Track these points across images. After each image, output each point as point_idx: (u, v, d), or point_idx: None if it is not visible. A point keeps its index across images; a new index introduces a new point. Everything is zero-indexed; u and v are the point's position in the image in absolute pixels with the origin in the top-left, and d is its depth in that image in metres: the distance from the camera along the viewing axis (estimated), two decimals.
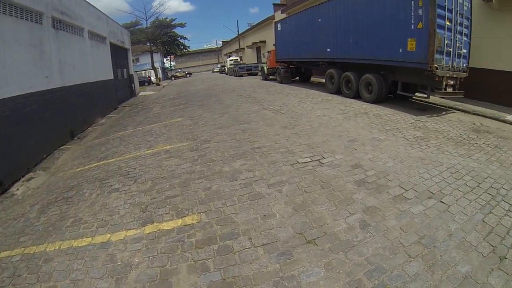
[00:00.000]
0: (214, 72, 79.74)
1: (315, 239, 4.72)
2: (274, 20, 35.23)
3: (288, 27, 25.49)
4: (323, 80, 21.15)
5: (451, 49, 12.22)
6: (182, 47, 76.84)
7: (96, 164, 9.73)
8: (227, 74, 57.49)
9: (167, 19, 70.55)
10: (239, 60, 60.71)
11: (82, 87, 16.28)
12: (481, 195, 5.98)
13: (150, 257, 4.64)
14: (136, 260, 4.62)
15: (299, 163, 7.71)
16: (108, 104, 21.95)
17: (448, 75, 12.11)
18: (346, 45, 17.22)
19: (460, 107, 13.36)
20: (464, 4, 12.64)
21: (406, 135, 9.64)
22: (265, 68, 33.39)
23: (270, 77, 32.23)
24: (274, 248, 4.58)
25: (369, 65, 15.51)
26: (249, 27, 64.34)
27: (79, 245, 5.25)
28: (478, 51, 13.82)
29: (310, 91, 20.91)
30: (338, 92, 18.23)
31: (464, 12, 12.64)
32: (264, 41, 48.89)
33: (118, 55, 26.88)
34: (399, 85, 14.22)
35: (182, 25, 74.24)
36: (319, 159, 7.87)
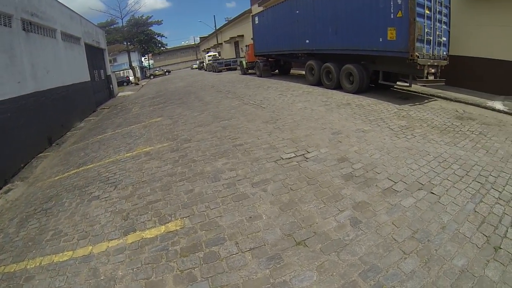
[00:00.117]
0: (193, 68, 78.74)
1: (305, 240, 4.51)
2: (251, 14, 34.85)
3: (266, 20, 25.20)
4: (303, 72, 20.93)
5: (431, 38, 12.16)
6: (159, 45, 76.16)
7: (75, 170, 9.38)
8: (206, 70, 56.84)
9: (143, 17, 69.66)
10: (217, 55, 60.13)
11: (58, 91, 15.69)
12: (470, 183, 5.89)
13: (134, 269, 4.39)
14: (120, 273, 4.36)
15: (283, 159, 7.49)
16: (86, 107, 21.40)
17: (429, 63, 12.05)
18: (325, 36, 17.01)
19: (441, 95, 13.34)
20: None
21: (391, 125, 9.51)
22: (244, 62, 33.08)
23: (249, 71, 31.98)
24: (262, 252, 4.36)
25: (349, 55, 15.32)
26: (226, 22, 63.89)
27: (60, 260, 4.97)
28: (459, 39, 13.85)
29: (291, 83, 20.70)
30: (319, 83, 18.07)
31: (442, 0, 12.56)
32: (242, 35, 48.69)
33: (94, 56, 26.25)
34: (380, 75, 14.13)
35: (158, 23, 73.64)
36: (303, 154, 7.67)
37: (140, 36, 67.95)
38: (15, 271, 4.93)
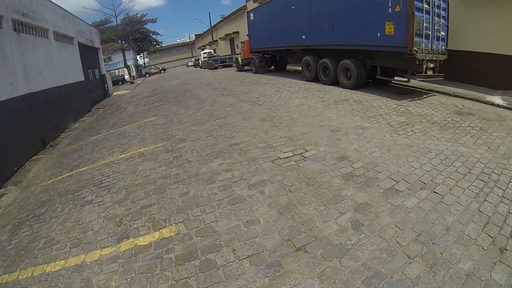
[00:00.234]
0: (188, 66, 78.59)
1: (305, 245, 4.31)
2: (246, 10, 34.68)
3: (261, 16, 24.95)
4: (300, 68, 20.77)
5: (430, 32, 12.00)
6: (154, 43, 76.26)
7: (69, 174, 9.16)
8: (201, 67, 56.63)
9: (138, 15, 69.93)
10: (213, 52, 59.95)
11: (51, 91, 15.41)
12: (473, 182, 5.74)
13: (128, 279, 4.20)
14: (113, 284, 4.17)
15: (280, 158, 7.29)
16: (81, 107, 21.13)
17: (428, 58, 11.89)
18: (322, 31, 16.77)
19: (440, 90, 13.20)
20: None
21: (390, 121, 9.33)
22: (239, 59, 32.88)
23: (245, 68, 31.88)
24: (261, 259, 4.16)
25: (346, 50, 15.11)
26: (222, 18, 63.55)
27: (52, 269, 4.77)
28: (457, 33, 13.69)
29: (287, 80, 20.52)
30: (316, 79, 17.86)
31: None
32: (237, 32, 48.30)
33: (88, 55, 25.95)
34: (378, 70, 13.95)
35: (153, 21, 73.73)
36: (301, 153, 7.47)
37: (135, 35, 68.08)
38: (7, 282, 4.76)
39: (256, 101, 14.14)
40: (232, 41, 54.21)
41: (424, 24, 11.64)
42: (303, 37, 18.79)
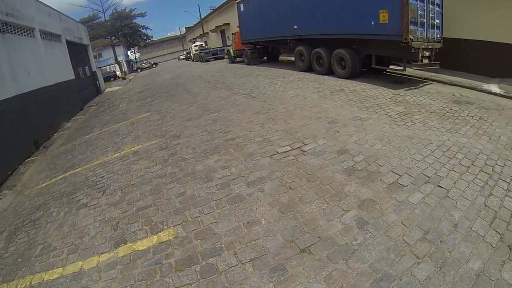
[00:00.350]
0: (180, 59, 78.08)
1: (309, 246, 4.15)
2: (236, 1, 34.21)
3: (251, 7, 24.58)
4: (293, 58, 20.54)
5: (425, 20, 11.81)
6: (145, 38, 76.05)
7: (63, 175, 8.96)
8: (193, 60, 56.17)
9: (126, 10, 69.43)
10: (204, 45, 59.56)
11: (41, 92, 15.09)
12: (477, 174, 5.60)
13: (128, 287, 4.03)
14: None
15: (278, 153, 7.11)
16: (73, 106, 20.89)
17: (423, 46, 11.70)
18: (314, 21, 16.51)
19: (436, 78, 13.04)
20: None
21: (388, 111, 9.15)
22: (231, 51, 32.66)
23: (237, 59, 31.69)
24: (264, 263, 3.99)
25: (340, 40, 14.95)
26: (211, 10, 63.00)
27: (50, 278, 4.62)
28: (452, 21, 13.48)
29: (280, 70, 20.29)
30: (310, 69, 17.68)
31: None
32: (228, 24, 47.91)
33: (77, 52, 25.60)
34: (373, 59, 13.74)
35: (142, 15, 73.54)
36: (300, 147, 7.28)
37: (124, 30, 67.93)
38: None
39: (250, 93, 13.94)
40: (223, 33, 53.91)
41: (419, 12, 11.46)
42: (295, 27, 18.52)
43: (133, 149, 9.40)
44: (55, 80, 17.65)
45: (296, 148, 7.25)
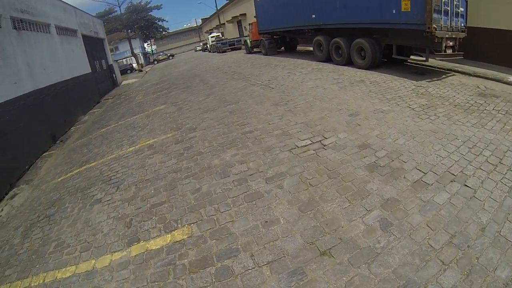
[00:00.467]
0: (196, 51, 78.49)
1: (330, 249, 3.95)
2: None
3: None
4: (311, 48, 20.15)
5: (449, 8, 11.31)
6: (161, 30, 76.82)
7: (78, 170, 8.97)
8: (210, 51, 56.03)
9: (142, 3, 70.23)
10: (220, 36, 59.18)
11: (57, 86, 15.30)
12: (505, 173, 5.29)
13: None
14: None
15: (298, 147, 6.88)
16: (90, 99, 21.21)
17: (447, 36, 11.25)
18: (333, 10, 16.11)
19: (459, 69, 12.57)
20: None
21: (411, 103, 8.82)
22: (248, 41, 32.47)
23: (255, 50, 31.36)
24: (282, 266, 3.81)
25: (359, 29, 14.52)
26: (228, 1, 62.64)
27: (63, 276, 4.61)
28: (477, 9, 12.94)
29: (298, 60, 19.92)
30: (328, 59, 17.27)
31: None
32: (245, 14, 47.44)
33: (94, 46, 25.81)
34: (394, 49, 13.34)
35: (158, 7, 74.56)
36: (320, 141, 7.04)
37: (140, 22, 68.76)
38: None
39: (268, 84, 13.69)
40: (239, 23, 53.54)
41: (443, 0, 11.02)
42: (313, 16, 18.10)
43: (148, 142, 9.32)
44: (71, 74, 17.88)
45: (316, 142, 7.02)
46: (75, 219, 6.16)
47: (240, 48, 42.08)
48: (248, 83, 14.90)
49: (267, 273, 3.74)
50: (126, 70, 51.10)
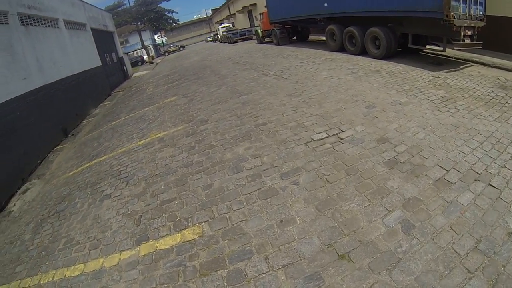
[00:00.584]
0: (207, 41, 78.57)
1: (349, 252, 3.74)
2: None
3: None
4: (323, 38, 19.87)
5: None
6: (171, 21, 77.12)
7: (88, 164, 8.95)
8: (221, 42, 56.04)
9: None
10: (231, 26, 59.13)
11: (68, 80, 15.38)
12: None
13: None
14: None
15: (314, 140, 6.65)
16: (101, 92, 21.36)
17: (465, 24, 10.83)
18: None
19: (478, 60, 12.14)
20: None
21: (429, 95, 8.50)
22: (259, 31, 32.19)
23: (266, 40, 31.23)
24: (298, 270, 3.61)
25: (374, 17, 14.14)
26: None
27: (72, 274, 4.54)
28: None
29: (311, 50, 19.60)
30: (342, 49, 16.94)
31: None
32: (255, 4, 47.28)
33: (103, 39, 25.94)
34: (410, 38, 12.97)
35: None
36: (337, 134, 6.79)
37: (150, 15, 69.41)
38: (29, 287, 4.63)
39: (281, 75, 13.44)
40: (250, 13, 53.48)
41: None
42: (326, 4, 17.69)
43: (158, 135, 9.21)
44: (81, 68, 17.97)
45: (333, 135, 6.78)
46: (84, 215, 6.07)
47: (251, 38, 41.82)
48: (260, 74, 14.67)
49: (282, 278, 3.54)
50: (137, 62, 51.61)
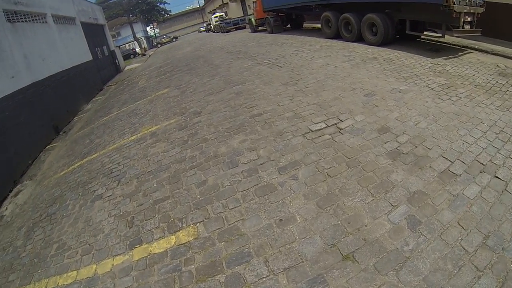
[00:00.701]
0: (200, 32, 78.13)
1: (353, 252, 3.55)
2: None
3: None
4: (318, 25, 19.55)
5: None
6: (163, 13, 77.11)
7: (80, 162, 8.73)
8: (214, 32, 55.61)
9: None
10: (224, 15, 58.73)
11: (57, 76, 15.00)
12: None
13: None
14: None
15: (312, 131, 6.43)
16: (92, 87, 21.10)
17: (465, 10, 10.56)
18: None
19: (476, 46, 11.92)
20: None
21: (429, 83, 8.29)
22: (252, 20, 31.90)
23: (260, 28, 31.03)
24: (300, 273, 3.42)
25: (370, 3, 13.89)
26: None
27: (65, 282, 4.36)
28: None
29: (306, 38, 19.32)
30: (337, 36, 16.68)
31: None
32: None
33: (94, 33, 25.58)
34: (408, 24, 12.72)
35: None
36: (336, 124, 6.57)
37: (141, 6, 69.41)
38: None
39: (276, 63, 13.21)
40: (243, 2, 53.06)
41: None
42: None
43: (150, 129, 9.01)
44: (72, 63, 17.67)
45: (332, 125, 6.56)
46: (76, 217, 5.88)
47: (244, 27, 41.55)
48: (254, 62, 14.45)
49: (284, 282, 3.35)
50: (129, 55, 51.25)
